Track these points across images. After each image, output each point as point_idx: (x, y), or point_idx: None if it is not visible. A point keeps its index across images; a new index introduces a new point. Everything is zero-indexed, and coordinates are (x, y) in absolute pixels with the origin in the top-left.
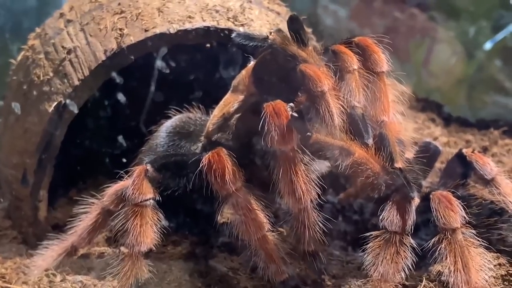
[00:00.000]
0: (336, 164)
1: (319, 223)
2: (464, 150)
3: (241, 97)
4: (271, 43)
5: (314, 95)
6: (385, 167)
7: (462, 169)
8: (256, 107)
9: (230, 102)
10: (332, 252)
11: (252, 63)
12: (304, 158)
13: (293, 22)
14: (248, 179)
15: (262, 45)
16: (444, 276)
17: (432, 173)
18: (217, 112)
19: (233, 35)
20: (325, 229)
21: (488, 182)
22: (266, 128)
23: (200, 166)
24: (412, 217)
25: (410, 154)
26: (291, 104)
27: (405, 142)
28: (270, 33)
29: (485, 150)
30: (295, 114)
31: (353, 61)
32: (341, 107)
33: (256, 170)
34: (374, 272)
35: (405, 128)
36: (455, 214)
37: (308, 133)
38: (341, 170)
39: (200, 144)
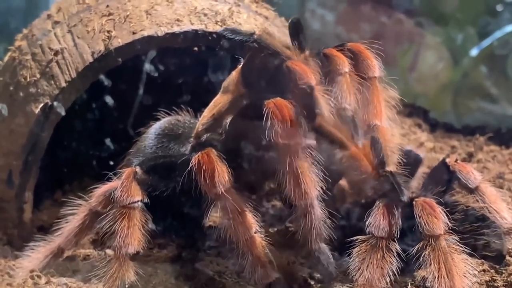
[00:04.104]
0: (332, 154)
1: (326, 219)
2: (447, 160)
3: (231, 97)
4: (256, 38)
5: (301, 90)
6: (376, 169)
7: (445, 178)
8: (249, 108)
9: (220, 102)
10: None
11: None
12: (309, 152)
13: (294, 25)
14: (237, 180)
15: (248, 40)
16: (428, 282)
17: (415, 180)
18: (206, 113)
19: (220, 29)
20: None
21: (472, 191)
22: (269, 123)
23: (190, 166)
24: (398, 223)
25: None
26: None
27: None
28: None
29: (470, 156)
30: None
31: (344, 64)
32: (330, 105)
33: (246, 172)
34: (359, 276)
35: (392, 134)
36: (438, 221)
37: (318, 111)
38: (335, 162)
39: (189, 146)
